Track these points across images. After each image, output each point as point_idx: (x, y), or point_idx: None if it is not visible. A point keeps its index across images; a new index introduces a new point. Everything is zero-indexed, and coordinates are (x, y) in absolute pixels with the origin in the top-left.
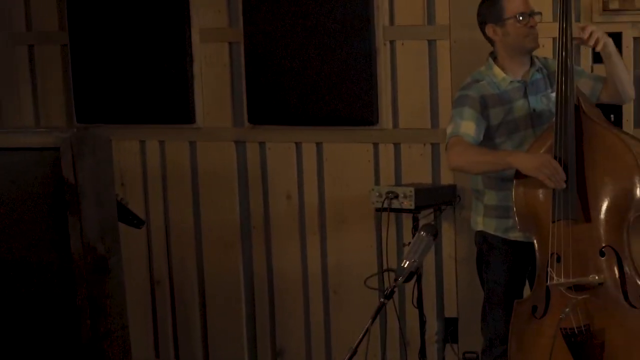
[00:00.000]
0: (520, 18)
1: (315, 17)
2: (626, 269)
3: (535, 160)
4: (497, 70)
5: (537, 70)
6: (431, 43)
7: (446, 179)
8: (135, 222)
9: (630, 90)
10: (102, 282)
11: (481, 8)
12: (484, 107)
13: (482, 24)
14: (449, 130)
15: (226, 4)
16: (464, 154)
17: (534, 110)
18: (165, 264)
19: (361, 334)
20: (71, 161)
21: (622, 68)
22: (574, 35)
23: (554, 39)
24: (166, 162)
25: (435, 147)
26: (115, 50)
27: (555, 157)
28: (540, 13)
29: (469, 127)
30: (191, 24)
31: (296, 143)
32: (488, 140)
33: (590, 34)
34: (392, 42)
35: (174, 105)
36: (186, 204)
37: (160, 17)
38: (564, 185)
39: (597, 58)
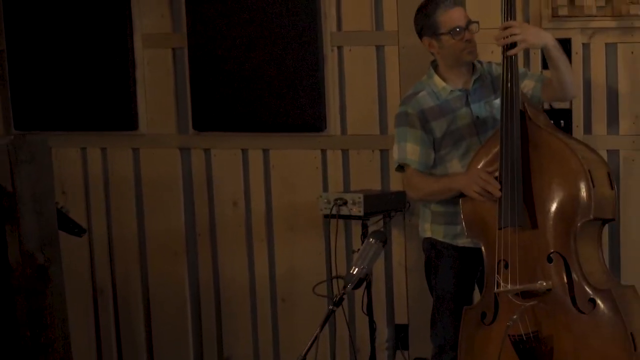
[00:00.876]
0: (454, 33)
1: (261, 22)
2: (574, 275)
3: (465, 179)
4: (437, 79)
5: (479, 78)
6: (379, 49)
7: (396, 185)
8: (76, 230)
9: (572, 89)
10: (42, 292)
11: (416, 18)
12: (425, 121)
13: (418, 34)
14: (395, 154)
15: (169, 9)
16: (419, 188)
17: (477, 117)
18: (108, 273)
19: (310, 342)
20: (9, 169)
21: (564, 66)
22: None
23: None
24: (108, 170)
25: (384, 153)
26: (54, 56)
27: (500, 164)
28: (477, 22)
29: (414, 152)
30: (133, 29)
31: (242, 150)
32: (435, 152)
33: (509, 34)
34: (339, 48)
35: (116, 112)
36: (129, 212)
37: (101, 22)
38: (499, 194)
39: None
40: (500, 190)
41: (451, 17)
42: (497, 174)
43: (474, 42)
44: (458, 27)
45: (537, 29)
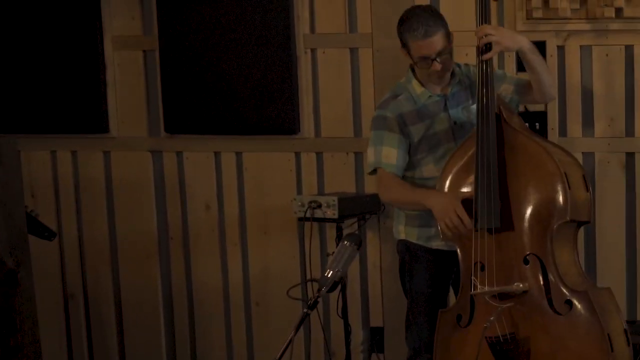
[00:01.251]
0: (420, 62)
1: (233, 24)
2: (550, 276)
3: (441, 206)
4: (415, 84)
5: (458, 82)
6: (353, 51)
7: (370, 188)
8: (46, 234)
9: (550, 91)
10: (12, 296)
11: (398, 29)
12: (403, 125)
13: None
14: (370, 157)
15: (140, 11)
16: (391, 192)
17: (455, 122)
18: (79, 277)
19: (284, 345)
20: None
21: (541, 68)
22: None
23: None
24: (79, 173)
25: (358, 155)
26: (24, 58)
27: (477, 166)
28: (448, 54)
29: (390, 155)
30: (103, 32)
31: (215, 152)
32: (409, 156)
33: (483, 35)
34: (313, 50)
35: (86, 115)
36: (100, 216)
37: (71, 24)
38: (466, 233)
39: (522, 66)
40: (474, 228)
41: (419, 47)
42: (472, 192)
43: (446, 66)
44: (425, 56)
45: (512, 32)
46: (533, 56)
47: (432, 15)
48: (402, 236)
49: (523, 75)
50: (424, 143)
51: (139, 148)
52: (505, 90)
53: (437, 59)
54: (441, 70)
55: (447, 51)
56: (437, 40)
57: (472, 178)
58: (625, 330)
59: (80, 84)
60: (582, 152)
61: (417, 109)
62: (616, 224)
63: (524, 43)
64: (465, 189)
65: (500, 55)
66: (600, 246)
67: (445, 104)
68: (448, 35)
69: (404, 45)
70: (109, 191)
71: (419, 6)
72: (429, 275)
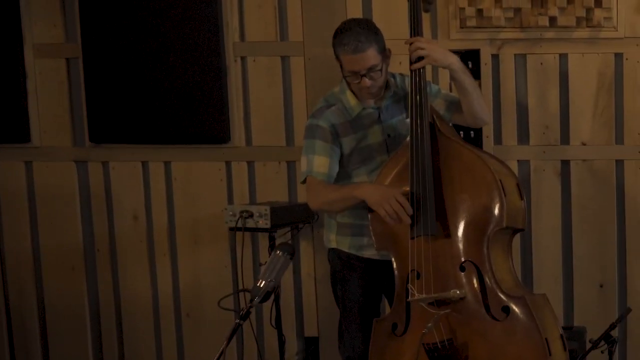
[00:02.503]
0: (350, 76)
1: (161, 31)
2: (487, 282)
3: (378, 193)
4: (349, 95)
5: (392, 94)
6: (284, 59)
7: (303, 197)
8: None
9: (483, 115)
10: None
11: (332, 41)
12: (335, 135)
13: None
14: (303, 166)
15: (62, 18)
16: (319, 196)
17: (389, 135)
18: (0, 290)
19: (216, 357)
20: None
21: (472, 89)
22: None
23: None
24: None
25: (291, 164)
26: None
27: (411, 174)
28: (379, 70)
29: (321, 164)
30: (24, 39)
31: (142, 162)
32: (341, 167)
33: (414, 49)
34: (243, 59)
35: (7, 124)
36: (23, 227)
37: None
38: (409, 221)
39: None
40: (417, 203)
41: (350, 62)
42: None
43: (377, 82)
44: (355, 71)
45: (445, 49)
46: (464, 76)
47: (366, 30)
48: (333, 245)
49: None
50: (356, 155)
51: (63, 158)
52: (437, 105)
53: (367, 76)
54: (371, 86)
55: (378, 67)
56: (368, 57)
57: (406, 185)
58: (561, 336)
59: (1, 93)
60: (518, 160)
61: (350, 120)
62: (552, 230)
63: (454, 60)
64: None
65: (435, 71)
66: (536, 253)
67: (379, 116)
68: (382, 51)
69: (336, 57)
70: (32, 202)
71: (355, 19)
72: (361, 283)
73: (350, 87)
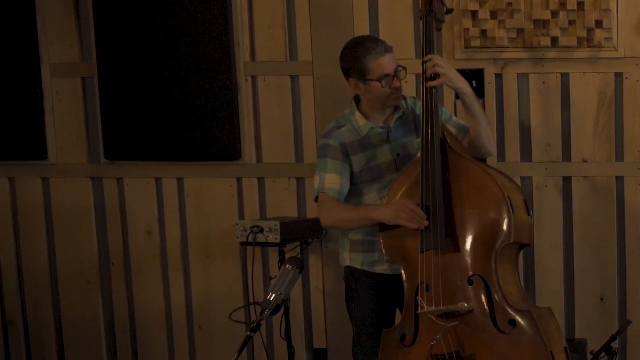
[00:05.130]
0: (385, 81)
1: (174, 51)
2: (495, 296)
3: (392, 209)
4: (359, 116)
5: (402, 116)
6: (294, 79)
7: (312, 212)
8: None
9: (489, 145)
10: None
11: (343, 59)
12: (345, 155)
13: (345, 74)
14: (315, 184)
15: (78, 38)
16: (332, 213)
17: (398, 155)
18: (18, 304)
19: None
20: None
21: (481, 116)
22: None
23: (417, 75)
24: (17, 200)
25: (300, 181)
26: None
27: (422, 189)
28: (405, 68)
29: (333, 181)
30: (41, 59)
31: (156, 178)
32: (353, 185)
33: (432, 66)
34: (253, 78)
35: (24, 142)
36: (40, 242)
37: (8, 52)
38: (427, 224)
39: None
40: (428, 219)
41: (381, 64)
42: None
43: (401, 88)
44: (387, 74)
45: (458, 73)
46: (473, 102)
47: (386, 43)
48: (347, 263)
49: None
50: (366, 173)
51: (79, 175)
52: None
53: (397, 76)
54: (399, 90)
55: (403, 70)
56: (394, 58)
57: (417, 200)
58: (565, 349)
59: (19, 111)
60: (521, 177)
61: (360, 139)
62: (554, 245)
63: (466, 85)
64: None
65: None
66: (538, 267)
67: (388, 136)
68: None
69: (358, 71)
70: (49, 217)
71: (363, 35)
72: (374, 299)
73: (359, 109)
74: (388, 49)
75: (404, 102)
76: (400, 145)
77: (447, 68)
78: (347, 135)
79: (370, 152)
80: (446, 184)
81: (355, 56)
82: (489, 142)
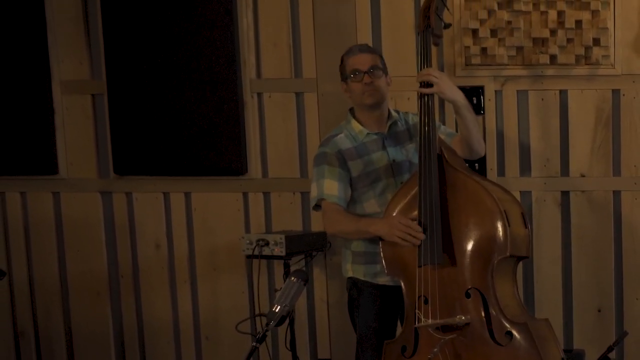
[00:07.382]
0: (353, 76)
1: (181, 68)
2: (491, 309)
3: (386, 225)
4: (354, 123)
5: (394, 123)
6: (299, 95)
7: (316, 226)
8: None
9: (478, 147)
10: None
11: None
12: (342, 161)
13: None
14: (312, 192)
15: (88, 55)
16: (334, 224)
17: (394, 160)
18: (29, 315)
19: None
20: None
21: (473, 125)
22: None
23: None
24: (28, 213)
25: (305, 195)
26: None
27: (420, 204)
28: (381, 68)
29: (332, 187)
30: (52, 76)
31: (164, 193)
32: (352, 191)
33: (426, 74)
34: (259, 94)
35: (35, 157)
36: (50, 255)
37: (19, 69)
38: (422, 237)
39: None
40: (424, 232)
41: (353, 61)
42: (416, 217)
43: (376, 86)
44: (357, 70)
45: (453, 84)
46: (467, 113)
47: (371, 47)
48: (350, 274)
49: None
50: (363, 179)
51: (89, 189)
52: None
53: (368, 73)
54: (371, 83)
55: (379, 70)
56: (370, 58)
57: (415, 215)
58: (562, 359)
59: (30, 127)
60: (520, 191)
61: (356, 146)
62: (553, 258)
63: (460, 97)
64: (410, 215)
65: (442, 102)
66: (537, 279)
67: (383, 143)
68: (384, 69)
69: (342, 73)
70: (59, 231)
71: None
72: (376, 310)
73: (355, 117)
74: (364, 50)
75: (396, 113)
76: (395, 151)
77: (442, 79)
78: (343, 142)
79: (367, 158)
80: (443, 199)
81: (342, 58)
82: (479, 145)
